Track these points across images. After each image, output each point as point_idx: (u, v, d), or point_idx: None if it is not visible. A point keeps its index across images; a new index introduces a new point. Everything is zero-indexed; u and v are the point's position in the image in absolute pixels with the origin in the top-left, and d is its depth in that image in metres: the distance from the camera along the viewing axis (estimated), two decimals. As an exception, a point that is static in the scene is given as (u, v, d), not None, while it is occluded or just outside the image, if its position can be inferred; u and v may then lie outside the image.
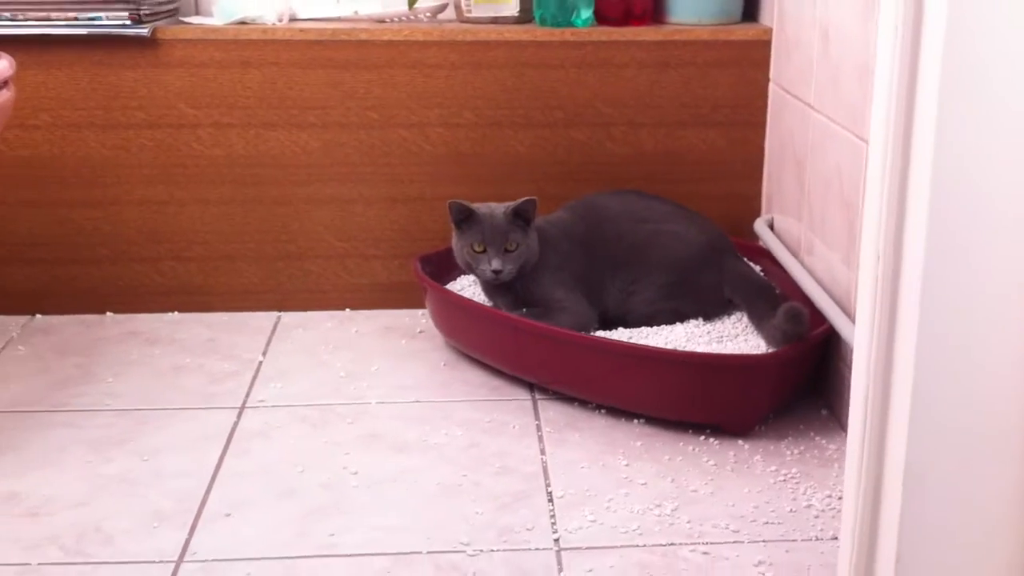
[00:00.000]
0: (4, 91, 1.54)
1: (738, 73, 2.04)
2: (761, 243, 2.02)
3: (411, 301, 2.09)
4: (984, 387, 1.05)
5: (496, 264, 1.78)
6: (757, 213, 2.10)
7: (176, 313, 2.11)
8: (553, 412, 1.72)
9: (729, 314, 1.86)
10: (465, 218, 1.81)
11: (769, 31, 2.02)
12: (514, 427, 1.68)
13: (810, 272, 1.80)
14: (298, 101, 2.02)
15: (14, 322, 2.07)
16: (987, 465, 1.06)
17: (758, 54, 2.03)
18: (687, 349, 1.74)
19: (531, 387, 1.80)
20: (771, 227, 2.02)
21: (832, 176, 1.71)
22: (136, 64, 1.99)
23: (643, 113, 2.05)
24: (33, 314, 2.10)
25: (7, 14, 1.94)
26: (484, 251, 1.79)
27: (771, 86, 2.04)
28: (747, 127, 2.07)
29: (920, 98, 1.00)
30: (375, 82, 2.02)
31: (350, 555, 1.36)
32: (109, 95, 2.00)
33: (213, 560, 1.35)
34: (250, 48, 1.99)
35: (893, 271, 1.06)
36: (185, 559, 1.35)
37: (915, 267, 1.02)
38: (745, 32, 2.04)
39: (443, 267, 1.97)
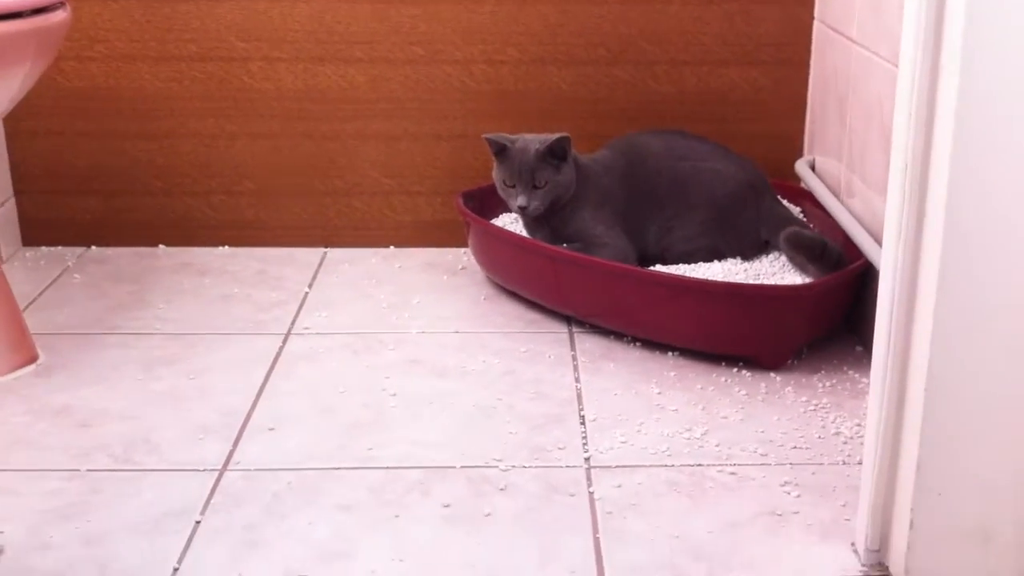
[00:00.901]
0: (60, 11, 1.59)
1: (782, 10, 2.03)
2: (803, 184, 2.02)
3: (454, 240, 2.12)
4: (1008, 295, 1.06)
5: (522, 200, 1.80)
6: (799, 154, 2.10)
7: (227, 247, 2.16)
8: (589, 344, 1.75)
9: (767, 254, 1.87)
10: (499, 152, 1.84)
11: (814, -33, 2.01)
12: (550, 357, 1.71)
13: (850, 212, 1.80)
14: (345, 35, 2.05)
15: (70, 252, 2.13)
16: (1009, 372, 1.08)
17: (803, -9, 2.02)
18: (723, 283, 1.75)
19: (568, 321, 1.83)
20: (812, 168, 2.02)
21: (873, 108, 1.70)
22: (189, -3, 2.03)
23: (686, 51, 2.05)
24: (88, 246, 2.16)
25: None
26: (514, 186, 1.82)
27: (815, 23, 2.03)
28: (790, 66, 2.06)
29: (949, 12, 1.00)
30: (420, 17, 2.04)
31: (386, 467, 1.40)
32: (163, 27, 2.04)
33: (256, 469, 1.40)
34: (299, -17, 2.03)
35: (920, 181, 1.07)
36: (229, 468, 1.41)
37: (941, 177, 1.03)
38: (790, -31, 2.03)
39: (486, 203, 2.00)
